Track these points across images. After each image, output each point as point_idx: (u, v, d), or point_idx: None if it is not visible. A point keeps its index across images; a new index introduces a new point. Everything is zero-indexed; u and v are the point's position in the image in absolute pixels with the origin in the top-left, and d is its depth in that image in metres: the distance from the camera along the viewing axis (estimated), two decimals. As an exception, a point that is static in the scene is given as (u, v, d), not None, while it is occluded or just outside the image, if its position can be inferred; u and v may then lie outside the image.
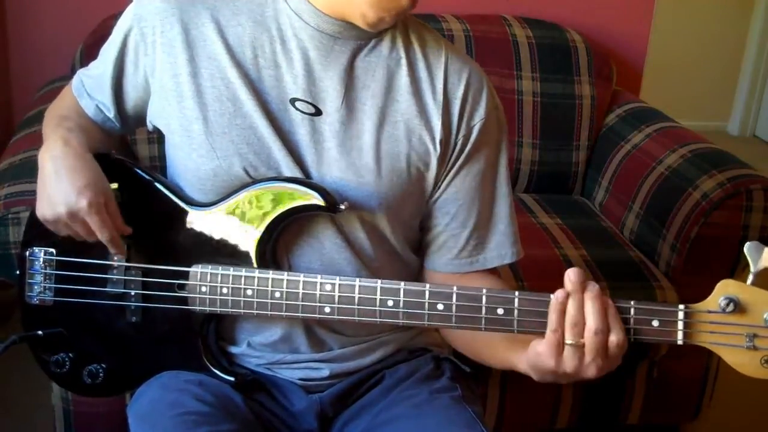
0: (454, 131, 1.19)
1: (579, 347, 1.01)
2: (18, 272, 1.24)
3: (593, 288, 1.02)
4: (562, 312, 1.01)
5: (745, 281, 1.02)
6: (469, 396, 1.25)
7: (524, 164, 2.37)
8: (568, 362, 1.01)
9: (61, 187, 1.11)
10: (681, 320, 1.02)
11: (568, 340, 1.01)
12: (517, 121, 2.34)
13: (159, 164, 2.09)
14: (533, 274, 1.83)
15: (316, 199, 1.12)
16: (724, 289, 1.01)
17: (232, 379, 1.20)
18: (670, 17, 4.26)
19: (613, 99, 2.49)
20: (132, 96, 1.23)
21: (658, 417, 2.12)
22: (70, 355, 1.23)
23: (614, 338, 1.01)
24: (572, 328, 1.01)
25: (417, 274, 1.29)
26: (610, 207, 2.30)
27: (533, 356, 1.03)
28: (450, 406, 1.21)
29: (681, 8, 4.54)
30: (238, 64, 1.16)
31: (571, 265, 1.91)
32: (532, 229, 2.13)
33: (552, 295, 1.03)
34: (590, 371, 1.01)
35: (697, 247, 1.93)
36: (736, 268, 1.95)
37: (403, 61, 1.19)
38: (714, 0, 4.82)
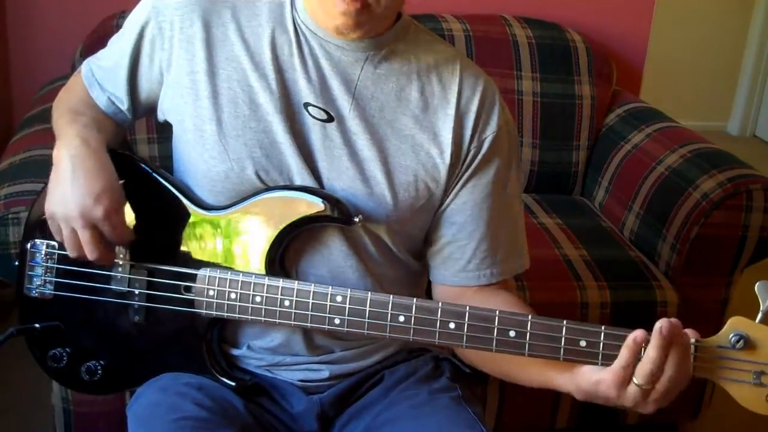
0: (465, 144, 1.19)
1: (647, 390, 1.00)
2: (17, 263, 1.23)
3: (686, 340, 1.00)
4: (636, 352, 0.99)
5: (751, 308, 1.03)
6: (468, 396, 1.25)
7: (524, 164, 2.37)
8: (631, 397, 1.00)
9: (77, 189, 1.10)
10: (691, 354, 1.02)
11: (639, 381, 0.99)
12: (517, 121, 2.34)
13: (159, 164, 2.09)
14: (533, 274, 1.82)
15: (332, 211, 1.12)
16: (735, 325, 1.02)
17: (233, 383, 1.19)
18: (670, 17, 4.26)
19: (613, 99, 2.49)
20: (146, 88, 1.23)
21: (658, 417, 2.11)
22: (68, 350, 1.22)
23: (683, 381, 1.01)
24: (648, 376, 0.98)
25: (419, 278, 1.29)
26: (610, 207, 2.30)
27: (589, 383, 1.02)
28: (450, 406, 1.21)
29: (681, 8, 4.53)
30: (258, 66, 1.15)
31: (571, 266, 1.94)
32: (532, 229, 2.12)
33: (631, 333, 1.00)
34: (650, 408, 1.01)
35: (697, 247, 1.92)
36: (736, 268, 1.96)
37: (414, 76, 1.19)
38: (714, 0, 4.82)
